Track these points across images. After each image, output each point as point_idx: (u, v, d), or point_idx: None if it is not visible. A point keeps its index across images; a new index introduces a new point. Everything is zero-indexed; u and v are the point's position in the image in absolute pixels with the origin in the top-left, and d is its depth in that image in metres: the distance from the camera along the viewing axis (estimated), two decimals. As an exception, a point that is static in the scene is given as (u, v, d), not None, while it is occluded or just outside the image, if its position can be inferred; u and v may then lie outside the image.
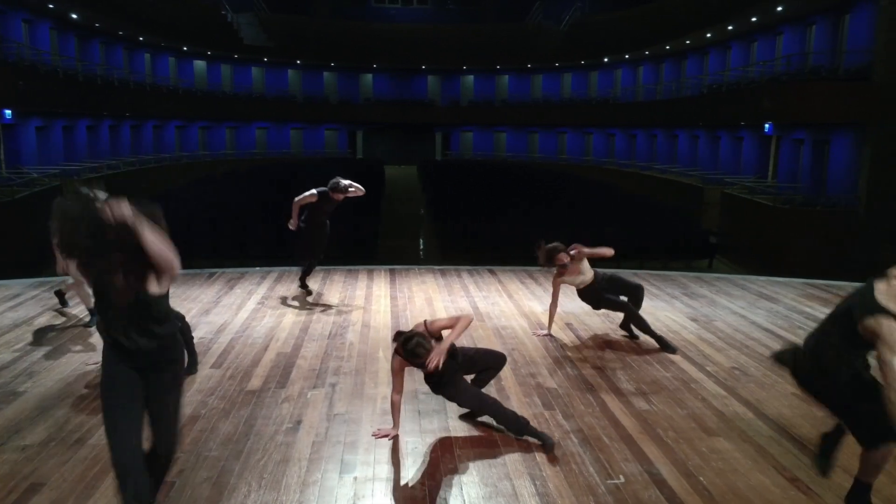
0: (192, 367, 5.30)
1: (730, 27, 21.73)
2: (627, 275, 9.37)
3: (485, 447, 4.19)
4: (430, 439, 4.30)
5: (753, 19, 20.03)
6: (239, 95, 34.64)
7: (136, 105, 26.19)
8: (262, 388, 5.06)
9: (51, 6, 20.16)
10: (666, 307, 7.69)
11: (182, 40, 29.58)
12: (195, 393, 4.95)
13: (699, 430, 4.49)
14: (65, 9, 20.84)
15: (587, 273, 6.20)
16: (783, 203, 16.54)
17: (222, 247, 14.51)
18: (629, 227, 15.41)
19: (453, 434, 4.37)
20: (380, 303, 7.64)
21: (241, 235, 14.21)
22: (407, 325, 6.78)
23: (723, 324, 7.01)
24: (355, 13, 38.47)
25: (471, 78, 38.78)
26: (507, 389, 5.14)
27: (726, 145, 23.41)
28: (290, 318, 6.94)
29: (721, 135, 23.77)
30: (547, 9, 35.89)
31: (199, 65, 33.75)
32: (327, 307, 7.42)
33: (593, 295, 6.28)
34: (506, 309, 7.47)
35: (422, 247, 18.10)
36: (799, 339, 6.49)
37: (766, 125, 19.83)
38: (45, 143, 20.80)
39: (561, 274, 6.23)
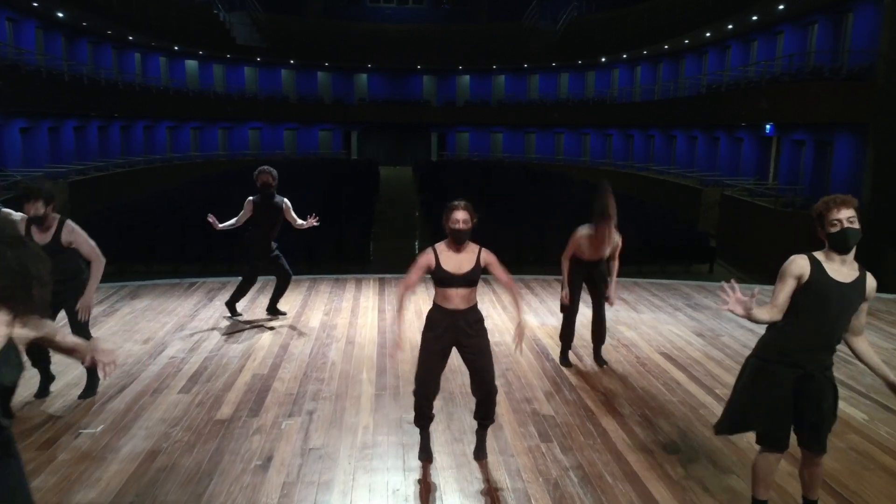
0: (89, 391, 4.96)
1: (729, 26, 21.35)
2: (627, 283, 9.01)
3: (474, 489, 3.78)
4: (415, 478, 3.88)
5: (754, 18, 19.65)
6: (231, 96, 34.12)
7: (125, 106, 25.69)
8: (233, 417, 4.64)
9: (35, 4, 19.68)
10: (669, 320, 7.28)
11: (173, 40, 29.07)
12: (158, 423, 4.52)
13: (711, 466, 4.08)
14: (50, 7, 20.35)
15: (605, 250, 5.47)
16: (784, 205, 16.16)
17: (215, 249, 14.07)
18: (626, 229, 14.99)
19: (440, 472, 3.95)
20: (366, 316, 7.21)
21: (232, 238, 13.73)
22: (394, 342, 6.37)
23: (730, 339, 6.61)
24: (349, 12, 38.02)
25: (466, 78, 38.36)
26: (500, 416, 4.71)
27: (725, 146, 23.03)
28: (270, 334, 6.51)
29: (720, 135, 23.39)
30: (543, 8, 35.47)
31: (191, 65, 33.24)
32: (311, 321, 7.00)
33: (589, 269, 5.55)
34: (499, 322, 7.06)
35: (417, 251, 17.66)
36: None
37: (768, 126, 19.46)
38: (30, 144, 20.31)
39: (601, 230, 5.30)
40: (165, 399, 4.92)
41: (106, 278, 10.40)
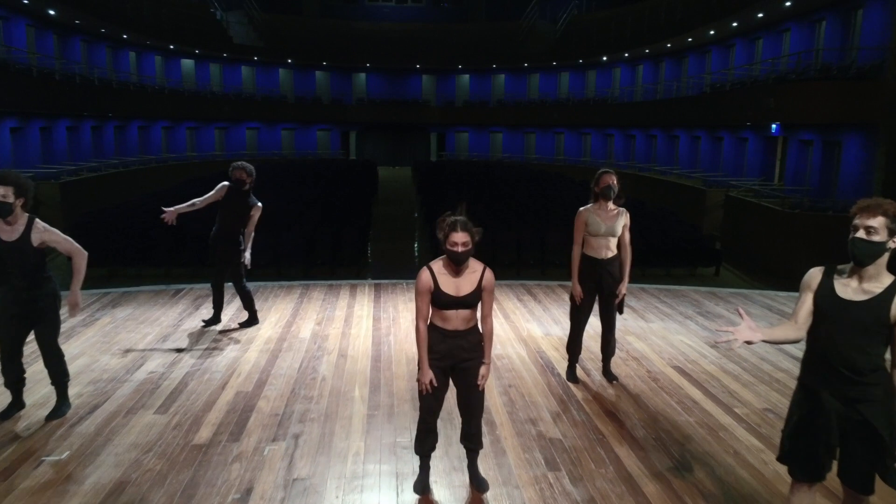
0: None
1: (734, 24, 20.96)
2: (633, 289, 8.62)
3: (475, 527, 3.40)
4: (409, 514, 3.50)
5: (759, 15, 19.27)
6: (228, 95, 33.67)
7: (119, 105, 25.22)
8: (212, 442, 4.25)
9: (25, 2, 19.27)
10: (680, 329, 6.89)
11: (169, 39, 28.64)
12: (129, 448, 4.13)
13: (737, 498, 3.69)
14: (42, 5, 19.95)
15: (611, 244, 5.08)
16: (791, 207, 15.76)
17: (209, 252, 13.63)
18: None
19: (437, 507, 3.57)
20: (360, 326, 6.82)
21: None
22: (389, 353, 6.00)
23: (746, 351, 6.22)
24: (348, 12, 37.61)
25: (466, 77, 37.95)
26: (503, 440, 4.34)
27: (729, 146, 22.65)
28: (258, 347, 6.12)
29: (724, 135, 23.01)
30: (543, 7, 35.09)
31: (187, 64, 32.81)
32: (301, 331, 6.61)
33: (598, 270, 5.09)
34: (501, 333, 6.67)
35: (416, 253, 17.30)
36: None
37: (774, 126, 19.07)
38: (20, 144, 19.90)
39: (599, 208, 5.01)
40: (139, 420, 4.53)
41: (92, 284, 10.04)
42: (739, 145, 22.05)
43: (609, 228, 5.02)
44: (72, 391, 4.89)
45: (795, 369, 5.73)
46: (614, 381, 5.36)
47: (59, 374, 4.61)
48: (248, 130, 35.66)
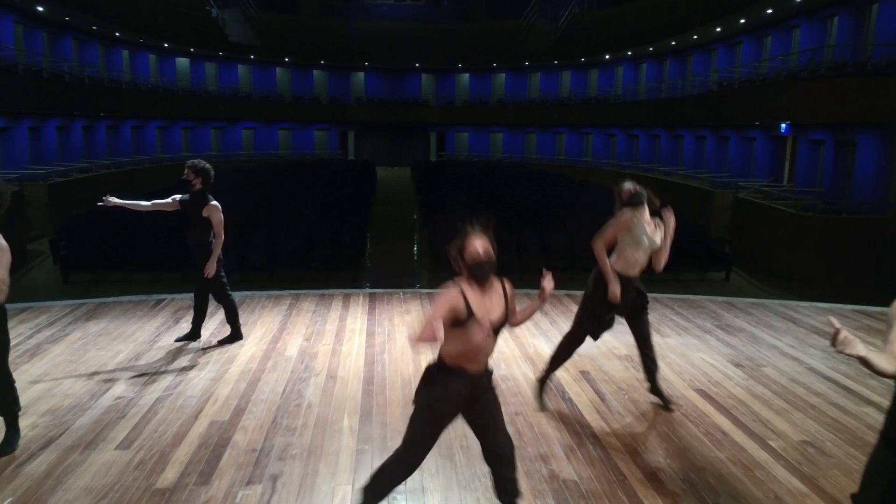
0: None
1: (741, 20, 20.42)
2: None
3: None
4: (401, 581, 2.97)
5: (768, 11, 18.73)
6: (224, 95, 33.14)
7: (112, 104, 24.68)
8: (177, 486, 3.71)
9: (14, -2, 18.77)
10: (700, 346, 6.34)
11: (163, 37, 28.11)
12: (81, 494, 3.59)
13: (785, 559, 3.17)
14: (30, 2, 19.40)
15: (645, 261, 4.58)
16: (804, 209, 15.22)
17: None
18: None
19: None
20: (353, 342, 6.28)
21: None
22: (383, 374, 5.46)
23: (774, 371, 5.68)
24: (346, 10, 37.09)
25: (466, 76, 37.42)
26: (509, 482, 3.80)
27: (736, 146, 22.11)
28: (239, 367, 5.58)
29: (730, 135, 22.47)
30: (543, 5, 34.55)
31: (182, 62, 32.26)
32: (288, 348, 6.07)
33: (625, 287, 4.53)
34: (505, 350, 6.13)
35: (416, 255, 16.76)
36: (870, 390, 5.18)
37: (783, 125, 18.53)
38: (8, 144, 19.36)
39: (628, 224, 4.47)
40: (98, 458, 3.99)
41: (73, 293, 9.48)
42: (746, 145, 21.51)
43: (651, 242, 4.48)
44: (27, 421, 4.38)
45: (832, 392, 5.20)
46: (670, 406, 4.78)
47: (8, 402, 4.08)
48: (244, 130, 35.14)
